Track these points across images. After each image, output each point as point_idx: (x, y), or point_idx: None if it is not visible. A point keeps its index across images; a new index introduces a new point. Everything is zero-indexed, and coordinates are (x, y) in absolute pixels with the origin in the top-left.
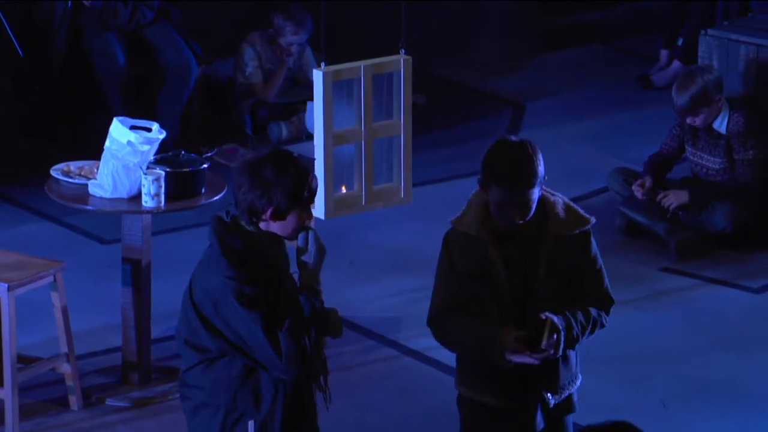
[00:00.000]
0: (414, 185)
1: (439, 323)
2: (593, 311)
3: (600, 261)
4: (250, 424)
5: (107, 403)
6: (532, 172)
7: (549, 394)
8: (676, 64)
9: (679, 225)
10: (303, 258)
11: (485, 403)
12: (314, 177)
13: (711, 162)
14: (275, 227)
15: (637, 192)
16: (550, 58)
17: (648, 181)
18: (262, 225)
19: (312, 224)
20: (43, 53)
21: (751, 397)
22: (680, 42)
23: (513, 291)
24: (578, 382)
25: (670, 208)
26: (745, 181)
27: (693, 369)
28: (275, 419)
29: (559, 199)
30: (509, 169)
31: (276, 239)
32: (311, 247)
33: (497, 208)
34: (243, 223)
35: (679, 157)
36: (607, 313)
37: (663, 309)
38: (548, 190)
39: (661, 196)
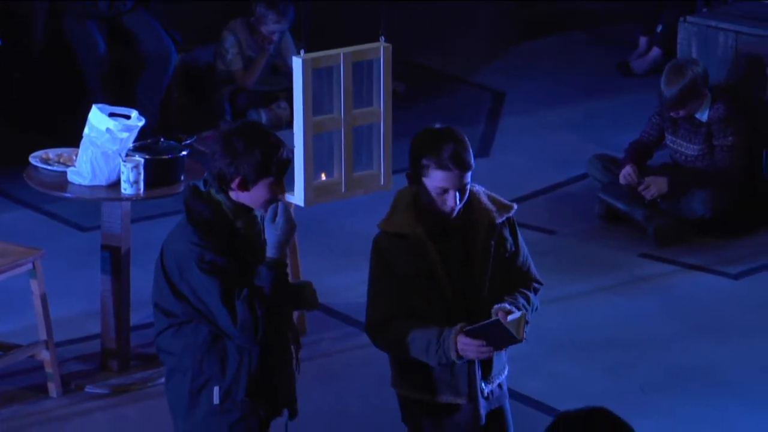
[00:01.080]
0: (394, 172)
1: (380, 330)
2: (530, 295)
3: (525, 246)
4: (215, 390)
5: (86, 390)
6: (471, 153)
7: (483, 384)
8: (655, 50)
9: (657, 211)
10: (269, 229)
11: (431, 402)
12: (285, 151)
13: (689, 149)
14: (244, 198)
15: (627, 179)
16: (530, 46)
17: (635, 170)
18: (232, 195)
19: (300, 207)
20: (23, 42)
21: (730, 382)
22: (659, 29)
23: (454, 285)
24: (506, 371)
25: (651, 198)
26: (724, 167)
27: (672, 355)
28: (240, 385)
29: (481, 189)
30: (454, 151)
31: (246, 210)
32: (279, 219)
33: (437, 196)
34: (213, 191)
35: (659, 144)
36: (536, 294)
37: (642, 295)
38: None
39: (642, 187)
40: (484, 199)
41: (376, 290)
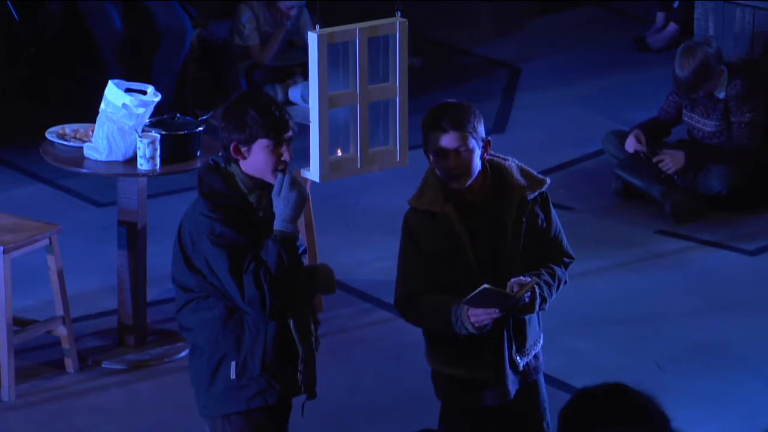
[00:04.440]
0: (410, 148)
1: (407, 306)
2: (557, 269)
3: (558, 220)
4: (232, 365)
5: (103, 365)
6: (465, 117)
7: (518, 357)
8: (672, 26)
9: (674, 187)
10: (276, 202)
11: (459, 377)
12: (279, 111)
13: (706, 125)
14: (250, 167)
15: (635, 146)
16: (546, 21)
17: (638, 136)
18: (242, 166)
19: (309, 183)
20: (39, 16)
21: (745, 357)
22: (676, 4)
23: (482, 262)
24: (542, 342)
25: (668, 173)
26: (741, 144)
27: (687, 331)
28: (255, 360)
29: (513, 164)
30: (443, 112)
31: (259, 182)
32: (284, 191)
33: (438, 161)
34: (224, 164)
35: (676, 123)
36: (567, 269)
37: (658, 271)
38: (499, 155)
39: (657, 158)
40: (516, 174)
41: (404, 267)
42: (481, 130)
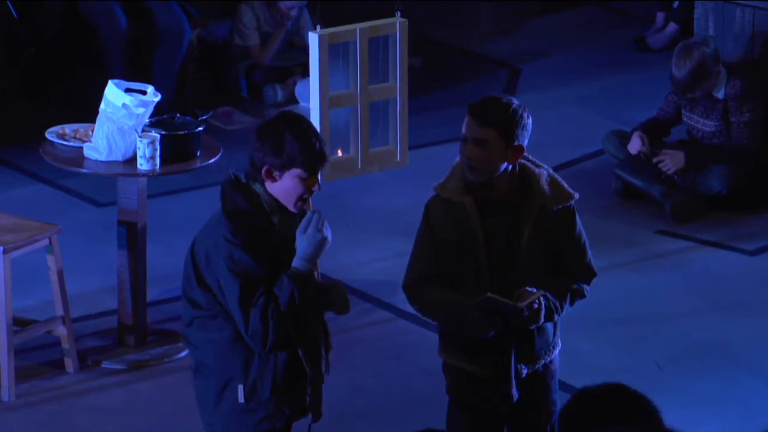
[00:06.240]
0: (410, 148)
1: (415, 291)
2: (573, 283)
3: (584, 237)
4: (240, 388)
5: (103, 365)
6: (498, 114)
7: (522, 365)
8: (672, 26)
9: (674, 187)
10: (299, 239)
11: (467, 371)
12: (318, 143)
13: (705, 125)
14: (276, 190)
15: (637, 147)
16: (546, 20)
17: (641, 137)
18: (267, 187)
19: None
20: (39, 16)
21: (745, 357)
22: (676, 4)
23: (493, 260)
24: (556, 351)
25: (668, 173)
26: (741, 144)
27: (688, 331)
28: (265, 384)
29: (544, 172)
30: (482, 102)
31: (281, 206)
32: (311, 230)
33: (461, 145)
34: (251, 182)
35: (676, 123)
36: (588, 284)
37: (658, 271)
38: (533, 161)
39: (656, 159)
40: (544, 183)
41: (417, 251)
42: (518, 134)
